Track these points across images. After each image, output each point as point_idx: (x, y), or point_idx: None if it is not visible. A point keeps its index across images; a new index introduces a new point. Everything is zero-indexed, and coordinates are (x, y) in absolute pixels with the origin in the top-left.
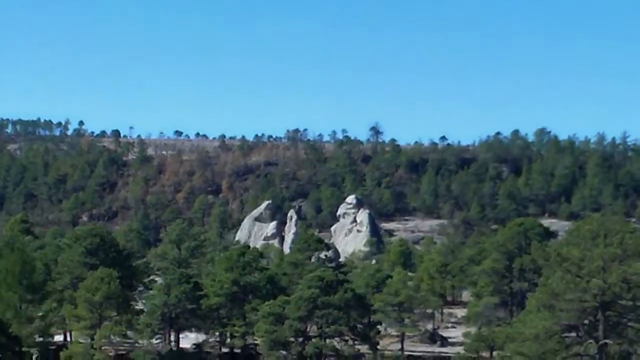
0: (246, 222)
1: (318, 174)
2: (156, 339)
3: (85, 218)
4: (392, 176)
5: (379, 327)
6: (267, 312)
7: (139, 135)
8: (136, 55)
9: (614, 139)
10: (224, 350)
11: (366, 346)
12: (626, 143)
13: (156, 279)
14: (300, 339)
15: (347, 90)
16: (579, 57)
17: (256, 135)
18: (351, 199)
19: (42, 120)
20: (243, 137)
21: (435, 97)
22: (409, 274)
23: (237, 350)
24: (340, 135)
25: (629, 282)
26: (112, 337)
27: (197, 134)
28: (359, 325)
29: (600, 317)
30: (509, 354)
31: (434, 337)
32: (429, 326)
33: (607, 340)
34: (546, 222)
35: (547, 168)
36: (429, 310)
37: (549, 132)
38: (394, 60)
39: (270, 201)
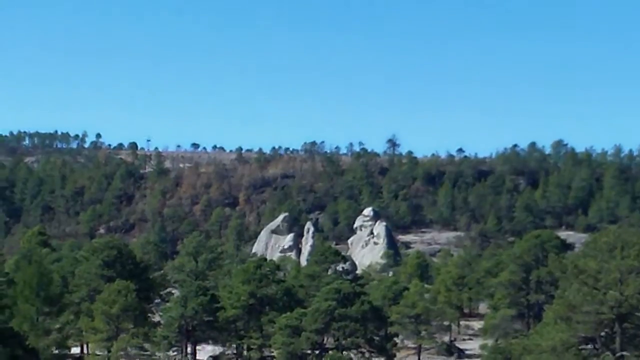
0: (263, 235)
1: (335, 187)
2: (173, 351)
3: (102, 230)
4: (409, 188)
5: (395, 339)
6: (284, 324)
7: (156, 148)
8: (153, 67)
9: (631, 151)
10: None
11: (383, 358)
12: None
13: (173, 291)
14: (317, 351)
15: (364, 102)
16: (596, 68)
17: (273, 148)
18: (368, 211)
19: (59, 133)
20: (260, 149)
21: (452, 109)
22: (426, 286)
23: None
24: (357, 148)
25: None
26: (129, 349)
27: (214, 147)
28: (375, 338)
29: (617, 329)
30: None
31: (450, 349)
32: (446, 338)
33: (624, 353)
34: (563, 234)
35: (564, 180)
36: (446, 323)
37: (566, 144)
38: (411, 72)
39: (287, 213)
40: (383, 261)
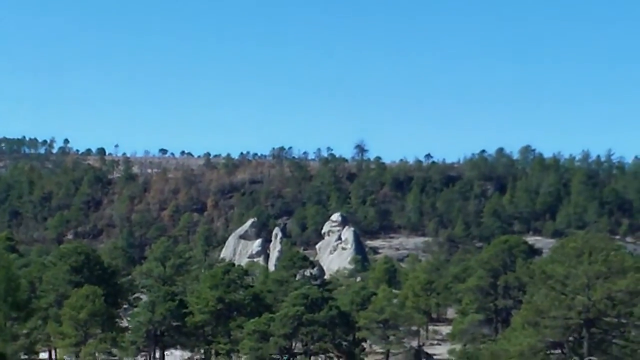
0: (231, 240)
1: (303, 192)
2: (141, 357)
3: (70, 236)
4: (377, 194)
5: (364, 344)
6: (252, 329)
7: (124, 153)
8: (122, 73)
9: (598, 156)
10: None
11: None
12: (611, 160)
13: (141, 296)
14: (286, 357)
15: (332, 108)
16: (563, 74)
17: (241, 153)
18: (336, 216)
19: (27, 139)
20: (228, 155)
21: (420, 115)
22: (394, 291)
23: None
24: (325, 153)
25: (613, 299)
26: (97, 354)
27: (182, 152)
28: (344, 343)
29: (585, 334)
30: None
31: (419, 354)
32: (414, 343)
33: (591, 358)
34: (531, 239)
35: (531, 186)
36: (414, 328)
37: (534, 150)
38: (379, 79)
39: (255, 219)
40: (351, 266)
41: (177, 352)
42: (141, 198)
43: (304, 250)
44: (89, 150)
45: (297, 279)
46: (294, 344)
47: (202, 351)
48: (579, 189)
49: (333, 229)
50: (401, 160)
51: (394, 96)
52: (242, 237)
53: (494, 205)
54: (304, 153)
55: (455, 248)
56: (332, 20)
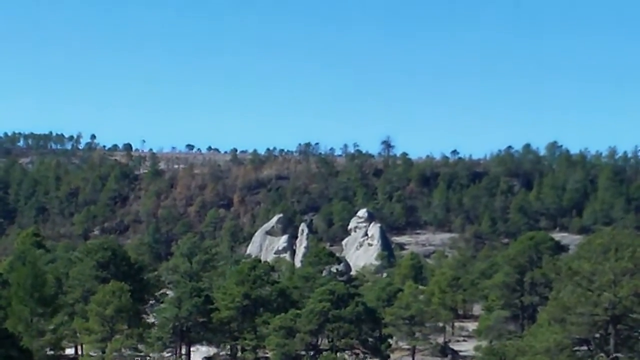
0: (257, 236)
1: (329, 188)
2: (167, 353)
3: (96, 232)
4: (403, 190)
5: (390, 340)
6: (278, 325)
7: (150, 149)
8: (149, 68)
9: (625, 152)
10: None
11: (377, 359)
12: (638, 157)
13: (167, 292)
14: (312, 353)
15: (359, 104)
16: (591, 70)
17: (268, 149)
18: (362, 212)
19: (54, 134)
20: (255, 150)
21: (447, 110)
22: (420, 287)
23: None
24: (351, 149)
25: (639, 296)
26: (123, 350)
27: (209, 148)
28: (370, 339)
29: (612, 331)
30: None
31: (445, 351)
32: (440, 340)
33: (618, 354)
34: (557, 236)
35: (558, 182)
36: (440, 324)
37: (561, 146)
38: (406, 74)
39: (281, 215)
40: (377, 262)
41: (203, 348)
42: (168, 194)
43: (330, 246)
44: (115, 146)
45: (323, 275)
46: (319, 340)
47: (228, 347)
48: (605, 186)
49: (359, 225)
50: (427, 156)
51: (421, 92)
52: (269, 233)
53: (520, 201)
54: (331, 149)
55: (481, 244)
56: (358, 15)
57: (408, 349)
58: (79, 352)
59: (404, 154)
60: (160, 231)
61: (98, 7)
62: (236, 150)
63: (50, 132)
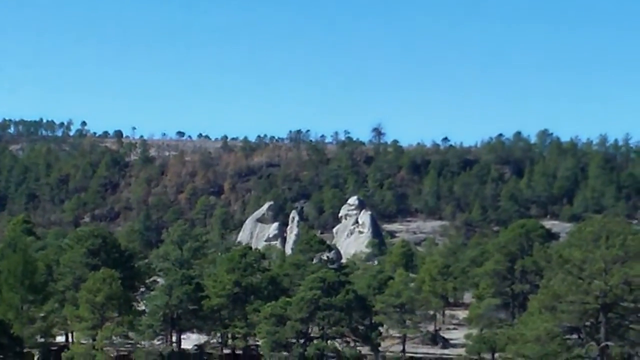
0: (248, 223)
1: (320, 175)
2: (158, 340)
3: (87, 219)
4: (394, 177)
5: (380, 328)
6: (268, 313)
7: (141, 136)
8: (139, 55)
9: (616, 140)
10: (226, 351)
11: (368, 347)
12: (628, 145)
13: (158, 279)
14: (302, 340)
15: (350, 91)
16: (581, 58)
17: (258, 136)
18: (353, 200)
19: (44, 121)
20: (245, 138)
21: (437, 98)
22: (411, 275)
23: (239, 352)
24: (342, 137)
25: (630, 284)
26: (113, 338)
27: (200, 135)
28: (360, 327)
29: (602, 319)
30: (511, 356)
31: (435, 339)
32: (431, 328)
33: (608, 342)
34: (548, 223)
35: (549, 170)
36: (431, 312)
37: (551, 133)
38: (396, 61)
39: (272, 202)
40: (368, 250)
41: (194, 336)
42: (158, 181)
43: (320, 233)
44: (106, 133)
45: (314, 262)
46: (310, 328)
47: (219, 335)
48: (596, 173)
49: (350, 212)
50: (418, 143)
51: (412, 80)
52: (259, 220)
53: (511, 189)
54: (322, 136)
55: (472, 232)
56: (349, 3)
57: (399, 337)
58: (70, 340)
59: (395, 142)
60: (150, 218)
61: None
62: (227, 138)
63: (41, 119)
